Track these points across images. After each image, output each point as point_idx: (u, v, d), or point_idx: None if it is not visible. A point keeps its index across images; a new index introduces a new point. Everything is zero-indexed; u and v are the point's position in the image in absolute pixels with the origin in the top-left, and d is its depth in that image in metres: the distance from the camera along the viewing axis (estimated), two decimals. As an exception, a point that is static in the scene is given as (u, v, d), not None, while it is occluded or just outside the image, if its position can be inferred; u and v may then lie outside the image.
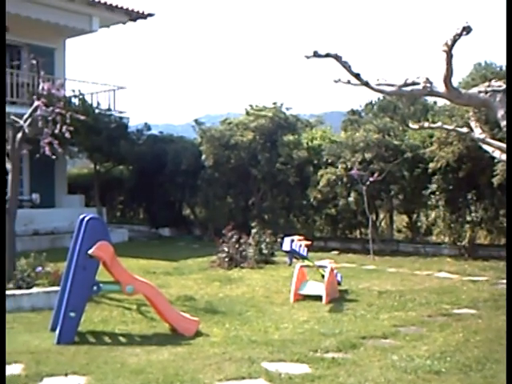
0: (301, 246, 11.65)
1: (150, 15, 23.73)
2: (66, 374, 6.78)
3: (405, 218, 20.27)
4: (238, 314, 9.95)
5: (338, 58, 7.56)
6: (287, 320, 9.56)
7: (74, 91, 21.44)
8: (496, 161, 14.09)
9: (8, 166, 11.68)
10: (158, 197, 23.47)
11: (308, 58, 7.58)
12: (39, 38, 22.22)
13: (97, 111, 21.41)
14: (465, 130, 10.79)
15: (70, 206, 22.04)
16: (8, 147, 11.88)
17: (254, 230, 16.48)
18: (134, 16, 23.51)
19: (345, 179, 18.33)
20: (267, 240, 16.18)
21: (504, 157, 8.95)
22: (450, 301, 10.88)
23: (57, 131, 11.64)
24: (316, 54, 7.51)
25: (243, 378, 6.69)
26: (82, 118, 12.92)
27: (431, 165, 16.81)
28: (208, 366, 7.06)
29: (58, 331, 8.21)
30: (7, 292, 10.28)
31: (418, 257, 16.95)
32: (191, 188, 22.37)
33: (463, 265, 15.33)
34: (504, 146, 8.61)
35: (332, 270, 11.51)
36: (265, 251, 15.99)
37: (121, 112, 22.83)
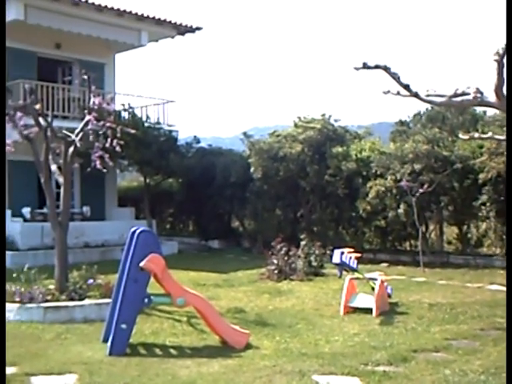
0: (351, 258, 11.57)
1: (198, 29, 23.91)
2: (119, 386, 6.84)
3: (455, 229, 20.01)
4: (288, 327, 9.93)
5: (386, 69, 7.58)
6: (337, 333, 9.50)
7: (123, 105, 21.71)
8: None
9: (60, 179, 11.87)
10: (208, 209, 23.61)
11: (357, 69, 7.61)
12: (90, 53, 22.63)
13: (146, 125, 21.59)
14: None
15: (120, 218, 22.28)
16: (60, 161, 12.08)
17: (303, 242, 16.45)
18: (182, 30, 23.74)
19: (394, 191, 18.22)
20: (316, 252, 16.13)
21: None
22: (503, 314, 10.61)
23: (107, 145, 11.85)
24: (365, 66, 7.54)
25: (294, 391, 6.67)
26: (132, 131, 13.09)
27: (481, 175, 16.62)
28: (259, 378, 7.05)
29: (109, 343, 8.29)
30: (60, 304, 10.48)
31: (468, 269, 16.70)
32: (240, 200, 22.47)
33: (516, 277, 15.05)
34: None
35: (382, 282, 11.42)
36: (314, 263, 15.96)
37: (170, 125, 22.97)
